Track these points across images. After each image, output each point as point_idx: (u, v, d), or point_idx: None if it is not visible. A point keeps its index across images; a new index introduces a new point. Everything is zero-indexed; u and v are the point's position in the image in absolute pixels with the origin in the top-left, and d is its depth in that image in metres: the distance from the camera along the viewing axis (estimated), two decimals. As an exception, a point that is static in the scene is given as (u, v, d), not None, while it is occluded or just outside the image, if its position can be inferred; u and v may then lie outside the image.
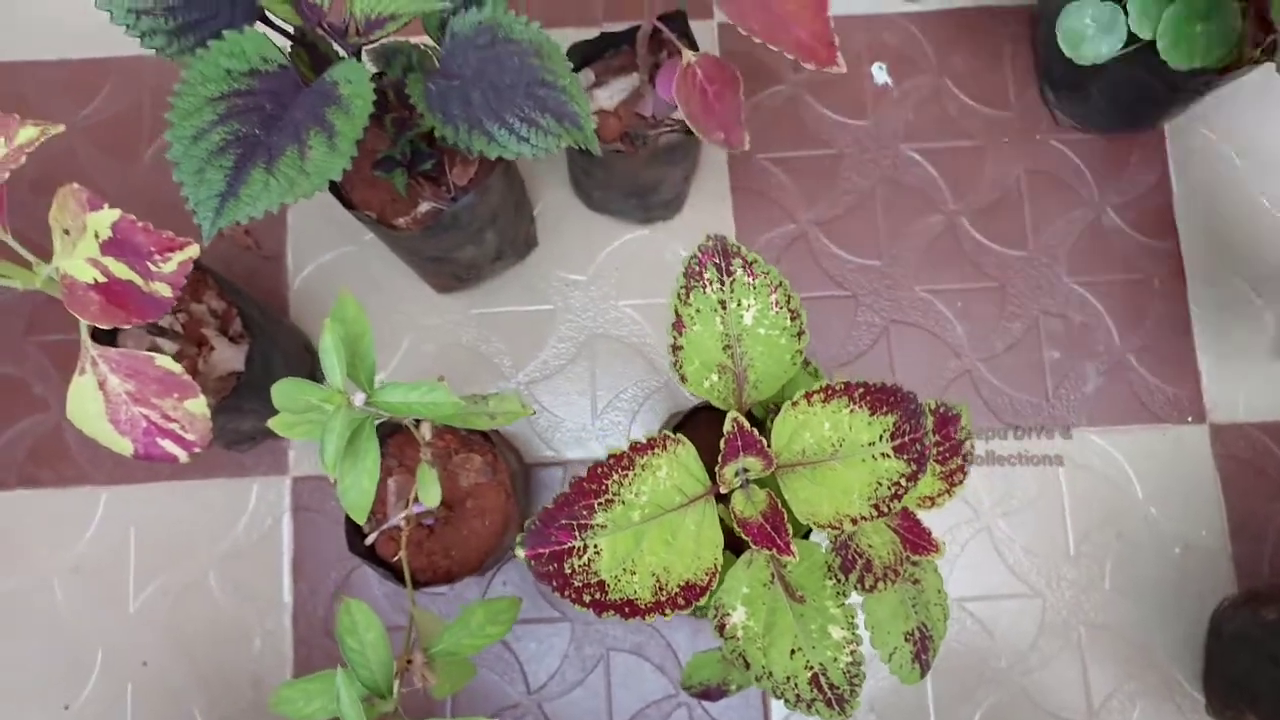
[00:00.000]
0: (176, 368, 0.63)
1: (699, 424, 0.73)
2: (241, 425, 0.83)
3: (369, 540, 0.74)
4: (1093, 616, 0.89)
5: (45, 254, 0.58)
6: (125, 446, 0.64)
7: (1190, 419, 0.92)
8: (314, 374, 0.92)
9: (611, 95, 0.82)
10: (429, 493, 0.65)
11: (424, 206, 0.77)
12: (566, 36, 0.98)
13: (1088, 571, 0.90)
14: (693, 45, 0.80)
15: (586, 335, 0.94)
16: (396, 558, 0.72)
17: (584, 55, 0.82)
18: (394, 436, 0.78)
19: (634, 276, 0.94)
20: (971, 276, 0.95)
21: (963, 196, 0.96)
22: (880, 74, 0.98)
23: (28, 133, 0.50)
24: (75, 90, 0.97)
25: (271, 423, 0.60)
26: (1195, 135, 0.97)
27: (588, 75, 0.83)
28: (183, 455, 0.65)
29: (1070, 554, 0.90)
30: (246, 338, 0.79)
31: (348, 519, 0.74)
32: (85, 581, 0.88)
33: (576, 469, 0.92)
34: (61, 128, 0.51)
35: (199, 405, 0.63)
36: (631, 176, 0.84)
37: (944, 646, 0.88)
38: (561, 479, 0.91)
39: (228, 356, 0.78)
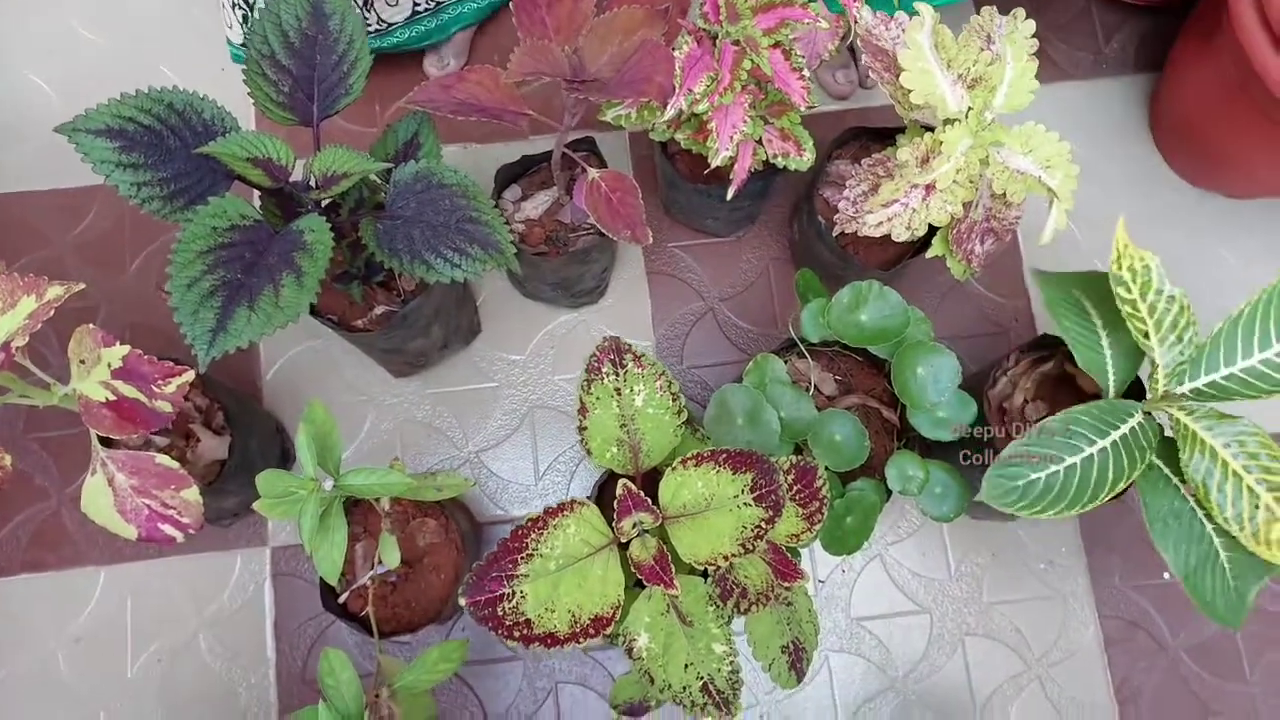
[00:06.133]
0: (173, 464, 0.75)
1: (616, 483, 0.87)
2: (225, 504, 0.95)
3: (340, 599, 0.86)
4: (973, 625, 1.03)
5: (40, 361, 0.69)
6: (130, 532, 0.76)
7: (1047, 451, 1.08)
8: (285, 451, 1.04)
9: (536, 206, 0.97)
10: (390, 555, 0.78)
11: (378, 310, 0.91)
12: (497, 151, 1.14)
13: (967, 588, 1.04)
14: (601, 162, 0.95)
15: (528, 407, 1.07)
16: (365, 612, 0.84)
17: (511, 174, 0.97)
18: (358, 507, 0.90)
19: (566, 354, 1.09)
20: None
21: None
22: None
23: (54, 290, 0.63)
24: (67, 214, 1.10)
25: (257, 505, 0.73)
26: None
27: (514, 190, 0.98)
28: (179, 536, 0.77)
29: (952, 574, 1.05)
30: (228, 430, 0.91)
31: (322, 581, 0.86)
32: (87, 652, 0.99)
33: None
34: (82, 285, 0.64)
35: (193, 493, 0.76)
36: (556, 272, 0.99)
37: (847, 660, 1.02)
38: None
39: (212, 446, 0.90)
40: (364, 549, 0.89)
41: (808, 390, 0.85)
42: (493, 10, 1.15)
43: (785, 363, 0.87)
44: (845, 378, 0.92)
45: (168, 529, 0.76)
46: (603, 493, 0.88)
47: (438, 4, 1.07)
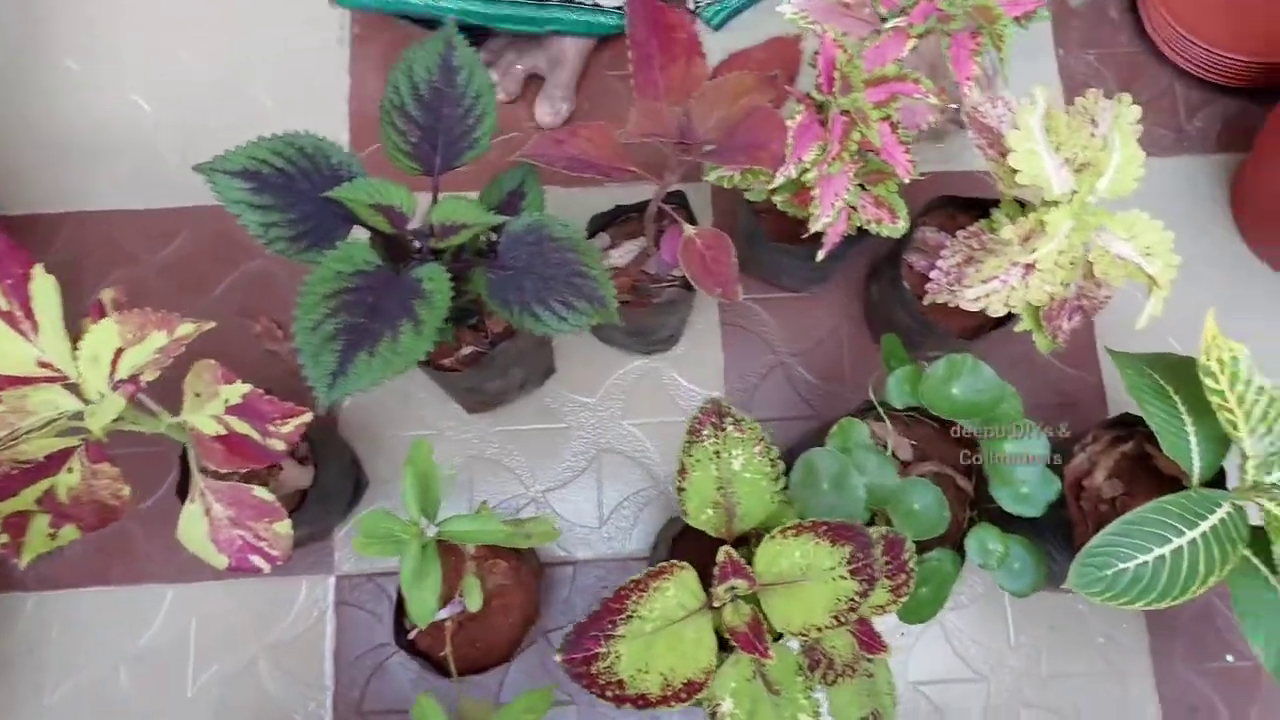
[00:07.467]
0: (270, 496, 0.76)
1: (692, 538, 0.87)
2: (300, 532, 0.96)
3: (410, 635, 0.87)
4: (1030, 697, 1.03)
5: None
6: (221, 561, 0.77)
7: (1111, 526, 1.08)
8: (358, 482, 1.05)
9: (623, 255, 0.98)
10: (474, 599, 0.79)
11: (466, 350, 0.92)
12: (581, 197, 1.15)
13: (1026, 659, 1.04)
14: (691, 218, 0.97)
15: (595, 450, 1.08)
16: (440, 652, 0.85)
17: (601, 222, 0.98)
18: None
19: (637, 400, 1.10)
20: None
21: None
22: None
23: (185, 328, 0.65)
24: (156, 235, 1.13)
25: (354, 544, 0.74)
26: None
27: (603, 239, 0.99)
28: (266, 568, 0.78)
29: (1011, 643, 1.05)
30: (311, 459, 0.93)
31: (395, 616, 0.87)
32: (149, 669, 1.00)
33: (584, 568, 1.05)
34: (212, 324, 0.66)
35: (285, 527, 0.77)
36: (638, 321, 1.00)
37: (903, 727, 1.02)
38: (571, 576, 1.05)
39: (295, 475, 0.92)
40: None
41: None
42: (598, 36, 1.15)
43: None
44: (920, 444, 0.93)
45: (257, 560, 0.77)
46: (673, 548, 0.89)
47: None
